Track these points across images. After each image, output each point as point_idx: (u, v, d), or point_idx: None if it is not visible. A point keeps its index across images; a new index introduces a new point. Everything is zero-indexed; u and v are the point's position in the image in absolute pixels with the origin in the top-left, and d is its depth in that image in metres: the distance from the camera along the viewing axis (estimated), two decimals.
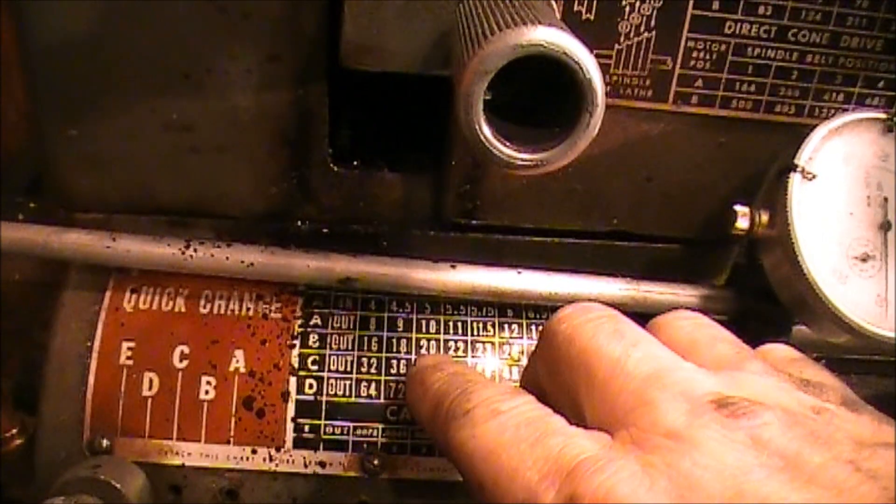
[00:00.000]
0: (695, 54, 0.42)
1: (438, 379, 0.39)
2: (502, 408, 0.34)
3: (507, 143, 0.30)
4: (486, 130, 0.30)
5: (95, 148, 0.45)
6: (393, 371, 0.47)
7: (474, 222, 0.47)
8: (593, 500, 0.28)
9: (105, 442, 0.45)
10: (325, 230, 0.48)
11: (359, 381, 0.46)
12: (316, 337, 0.47)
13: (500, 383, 0.45)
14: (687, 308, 0.47)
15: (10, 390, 0.50)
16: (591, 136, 0.30)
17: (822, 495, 0.26)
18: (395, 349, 0.47)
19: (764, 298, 0.46)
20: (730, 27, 0.42)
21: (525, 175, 0.30)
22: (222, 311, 0.47)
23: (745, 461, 0.27)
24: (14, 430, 0.49)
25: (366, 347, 0.47)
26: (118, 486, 0.42)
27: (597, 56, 0.34)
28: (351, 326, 0.47)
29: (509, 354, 0.48)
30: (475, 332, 0.48)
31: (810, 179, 0.42)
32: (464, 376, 0.39)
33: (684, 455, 0.28)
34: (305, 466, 0.46)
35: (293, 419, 0.46)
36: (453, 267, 0.47)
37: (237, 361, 0.46)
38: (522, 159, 0.30)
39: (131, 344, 0.46)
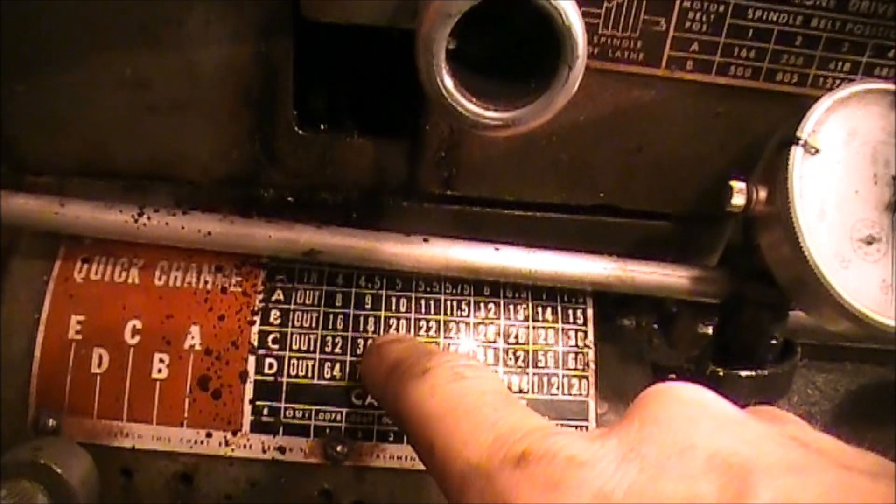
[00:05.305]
0: (691, 15, 0.40)
1: (397, 349, 0.39)
2: (467, 374, 0.34)
3: (474, 100, 0.26)
4: (448, 82, 0.26)
5: (45, 106, 0.43)
6: (359, 351, 0.44)
7: (450, 193, 0.45)
8: (544, 456, 0.28)
9: (51, 421, 0.43)
10: (290, 198, 0.45)
11: (322, 362, 0.44)
12: (278, 313, 0.44)
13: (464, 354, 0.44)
14: (676, 290, 0.44)
15: None
16: (569, 94, 0.27)
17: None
18: (361, 328, 0.45)
19: (760, 281, 0.44)
20: None
21: (495, 136, 0.27)
22: (178, 284, 0.45)
23: (691, 415, 0.28)
24: None
25: (331, 325, 0.45)
26: (60, 471, 0.40)
27: (584, 15, 0.31)
28: (315, 302, 0.45)
29: (485, 336, 0.45)
30: (448, 312, 0.45)
31: (813, 154, 0.40)
32: (424, 346, 0.39)
33: (633, 419, 0.28)
34: (264, 452, 0.43)
35: (251, 401, 0.43)
36: (426, 241, 0.44)
37: (193, 338, 0.44)
38: (490, 118, 0.27)
39: (81, 317, 0.44)
